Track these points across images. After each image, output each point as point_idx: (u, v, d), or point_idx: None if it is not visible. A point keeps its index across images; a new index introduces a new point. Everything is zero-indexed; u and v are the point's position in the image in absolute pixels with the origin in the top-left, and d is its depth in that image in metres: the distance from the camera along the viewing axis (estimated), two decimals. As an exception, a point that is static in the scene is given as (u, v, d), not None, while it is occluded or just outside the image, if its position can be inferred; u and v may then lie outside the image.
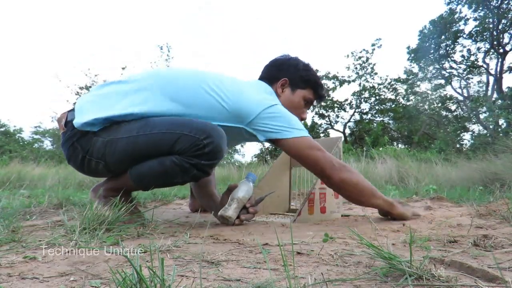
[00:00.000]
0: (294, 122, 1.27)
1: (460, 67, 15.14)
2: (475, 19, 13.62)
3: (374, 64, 15.09)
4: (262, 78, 1.46)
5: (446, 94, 15.72)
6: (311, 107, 1.52)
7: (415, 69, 15.72)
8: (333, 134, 16.64)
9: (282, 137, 1.25)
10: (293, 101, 1.42)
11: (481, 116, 12.34)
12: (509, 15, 12.81)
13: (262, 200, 1.42)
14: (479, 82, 15.70)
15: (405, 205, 1.46)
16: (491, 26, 13.33)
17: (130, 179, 1.22)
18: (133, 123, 1.19)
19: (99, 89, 1.30)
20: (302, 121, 1.50)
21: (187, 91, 1.23)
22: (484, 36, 13.83)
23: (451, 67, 15.19)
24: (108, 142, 1.19)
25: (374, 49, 14.82)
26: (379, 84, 15.41)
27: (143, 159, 1.19)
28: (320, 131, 16.07)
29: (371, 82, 15.39)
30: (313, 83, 1.44)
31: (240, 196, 1.28)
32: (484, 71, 14.63)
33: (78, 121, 1.19)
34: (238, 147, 15.88)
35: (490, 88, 14.09)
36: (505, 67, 13.53)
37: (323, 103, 15.74)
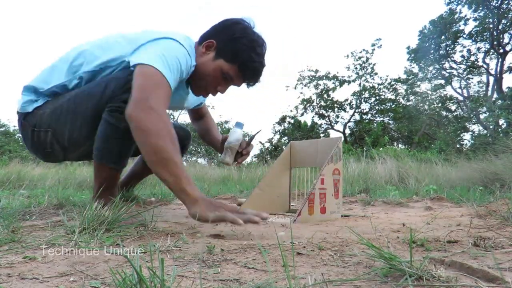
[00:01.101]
0: (162, 55, 1.09)
1: (460, 67, 15.16)
2: (475, 19, 13.63)
3: (374, 64, 15.12)
4: (201, 35, 1.32)
5: (446, 94, 15.74)
6: (239, 86, 1.36)
7: (415, 69, 15.74)
8: (333, 134, 16.66)
9: (132, 61, 1.11)
10: (209, 67, 1.25)
11: (481, 116, 12.35)
12: (509, 15, 12.81)
13: (253, 138, 1.50)
14: (479, 82, 15.72)
15: (216, 206, 1.03)
16: (491, 26, 13.34)
17: (97, 161, 1.23)
18: (73, 90, 1.23)
19: None
20: (215, 94, 1.34)
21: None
22: (484, 36, 13.84)
23: (451, 67, 15.20)
24: (54, 110, 1.22)
25: (374, 49, 14.86)
26: (379, 84, 15.43)
27: (84, 115, 1.19)
28: (320, 131, 16.08)
29: (371, 82, 15.43)
30: (240, 61, 1.23)
31: (231, 144, 1.43)
32: (484, 71, 14.64)
33: (19, 103, 1.26)
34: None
35: (490, 88, 14.10)
36: (505, 67, 13.54)
37: (322, 103, 15.76)
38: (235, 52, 1.23)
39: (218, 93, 1.35)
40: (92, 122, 1.20)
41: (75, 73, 1.23)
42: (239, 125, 1.47)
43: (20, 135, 1.33)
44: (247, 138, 1.54)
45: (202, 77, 1.26)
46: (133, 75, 1.08)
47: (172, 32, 1.22)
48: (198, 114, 1.73)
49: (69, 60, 1.24)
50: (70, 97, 1.21)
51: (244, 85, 1.37)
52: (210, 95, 1.36)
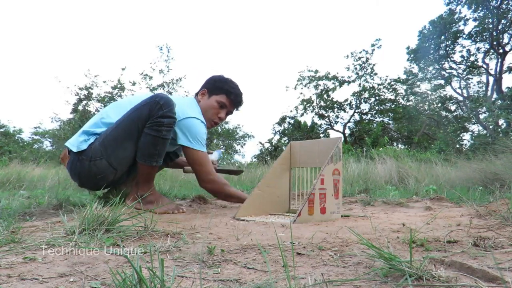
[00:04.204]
0: (199, 138, 1.73)
1: (459, 68, 15.13)
2: (475, 20, 13.62)
3: (374, 65, 15.13)
4: (197, 92, 1.98)
5: (446, 94, 15.72)
6: (234, 111, 2.03)
7: (415, 69, 15.72)
8: (333, 134, 16.66)
9: (186, 145, 1.71)
10: (209, 103, 1.89)
11: (481, 116, 12.35)
12: (509, 16, 12.81)
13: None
14: (478, 82, 15.70)
15: None
16: (490, 26, 13.33)
17: (143, 162, 1.61)
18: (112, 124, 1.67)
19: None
20: (220, 122, 1.96)
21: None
22: (484, 37, 13.83)
23: (450, 68, 15.18)
24: (103, 140, 1.60)
25: (373, 50, 14.86)
26: (379, 85, 15.44)
27: (130, 134, 1.58)
28: (320, 132, 16.09)
29: (370, 83, 15.43)
30: (225, 91, 1.90)
31: (212, 158, 2.08)
32: (484, 71, 14.63)
33: (75, 145, 1.62)
34: (238, 148, 15.90)
35: (489, 88, 14.08)
36: (504, 67, 13.52)
37: (322, 104, 15.79)
38: (219, 87, 1.90)
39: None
40: (136, 142, 1.61)
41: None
42: (218, 152, 2.21)
43: (72, 171, 1.65)
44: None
45: (206, 111, 1.88)
46: (189, 158, 1.73)
47: (187, 101, 1.84)
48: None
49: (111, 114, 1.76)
50: (113, 128, 1.61)
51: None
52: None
